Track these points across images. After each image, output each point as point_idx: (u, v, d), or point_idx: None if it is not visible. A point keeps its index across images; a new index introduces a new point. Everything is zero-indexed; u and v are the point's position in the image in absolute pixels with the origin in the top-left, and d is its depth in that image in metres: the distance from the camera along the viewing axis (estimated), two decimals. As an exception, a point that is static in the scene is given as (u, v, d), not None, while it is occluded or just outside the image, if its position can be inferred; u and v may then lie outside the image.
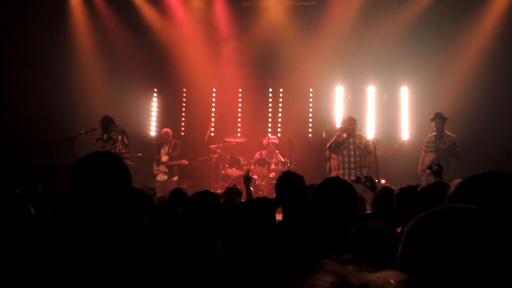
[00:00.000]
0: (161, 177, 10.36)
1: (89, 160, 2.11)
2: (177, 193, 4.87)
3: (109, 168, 2.05)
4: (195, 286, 1.99)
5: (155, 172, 10.39)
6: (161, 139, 10.76)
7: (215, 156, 10.96)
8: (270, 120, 12.06)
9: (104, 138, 9.08)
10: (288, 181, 3.61)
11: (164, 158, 10.34)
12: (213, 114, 12.04)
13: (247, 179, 5.94)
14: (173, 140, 10.59)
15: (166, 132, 10.66)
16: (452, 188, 1.79)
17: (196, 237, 2.06)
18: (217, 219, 3.17)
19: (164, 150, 10.48)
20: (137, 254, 2.00)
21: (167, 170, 10.39)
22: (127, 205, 2.08)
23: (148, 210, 3.01)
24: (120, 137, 9.17)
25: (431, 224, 1.17)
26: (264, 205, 3.41)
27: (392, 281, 0.91)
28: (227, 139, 11.14)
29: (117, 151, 8.97)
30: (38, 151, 10.43)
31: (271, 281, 2.56)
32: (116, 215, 2.06)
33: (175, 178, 10.45)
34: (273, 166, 10.48)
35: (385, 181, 8.45)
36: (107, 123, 9.15)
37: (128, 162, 8.08)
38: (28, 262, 2.38)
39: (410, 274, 1.11)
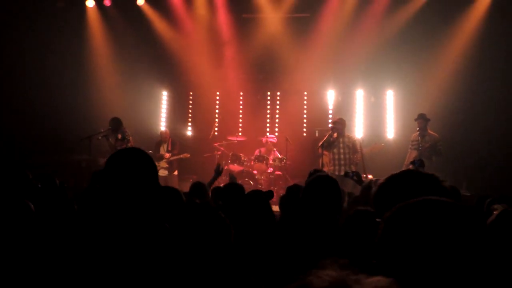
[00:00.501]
0: (162, 173, 10.31)
1: (123, 154, 2.13)
2: (198, 185, 4.86)
3: (140, 161, 2.08)
4: (211, 270, 1.98)
5: None
6: (159, 138, 10.79)
7: (219, 153, 10.98)
8: (268, 120, 12.08)
9: (119, 137, 9.06)
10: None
11: (168, 155, 10.36)
12: (217, 115, 12.04)
13: (218, 171, 5.91)
14: (171, 138, 10.64)
15: (165, 132, 10.74)
16: (374, 189, 1.81)
17: (212, 225, 2.08)
18: (234, 210, 3.18)
19: (163, 147, 10.52)
20: (155, 245, 1.98)
21: (167, 165, 10.38)
22: (153, 197, 2.09)
23: (175, 203, 3.02)
24: (130, 137, 9.17)
25: (408, 213, 1.18)
26: (259, 197, 3.39)
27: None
28: (229, 138, 11.16)
29: (128, 150, 8.92)
30: (58, 149, 10.41)
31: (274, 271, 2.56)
32: (141, 207, 2.04)
33: (176, 173, 10.46)
34: (271, 162, 10.51)
35: (372, 176, 8.46)
36: (118, 124, 9.15)
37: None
38: (33, 251, 2.37)
39: (385, 259, 1.11)
